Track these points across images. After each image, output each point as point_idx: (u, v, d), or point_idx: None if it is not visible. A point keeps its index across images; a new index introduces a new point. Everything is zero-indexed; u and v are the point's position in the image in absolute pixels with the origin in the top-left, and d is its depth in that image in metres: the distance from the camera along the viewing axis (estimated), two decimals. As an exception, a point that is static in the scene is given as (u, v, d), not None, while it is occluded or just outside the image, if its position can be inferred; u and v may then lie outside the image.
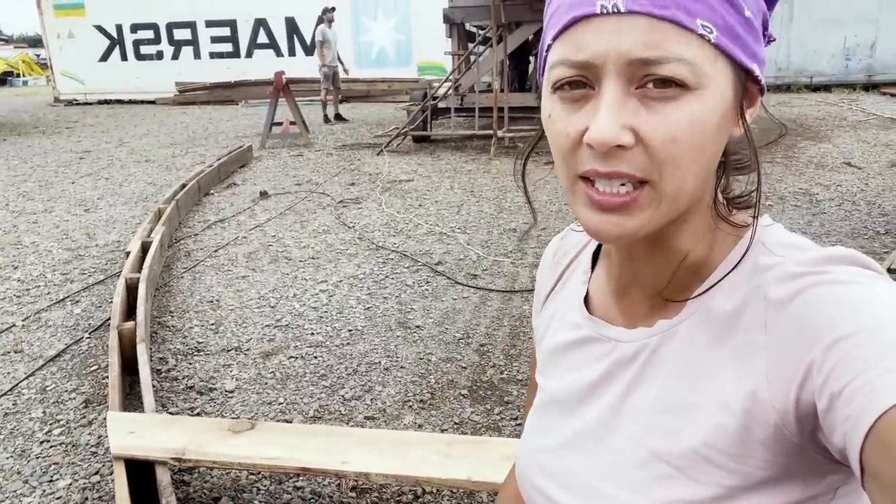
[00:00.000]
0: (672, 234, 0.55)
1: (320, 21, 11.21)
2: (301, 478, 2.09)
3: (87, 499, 2.05)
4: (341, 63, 11.15)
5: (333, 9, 10.89)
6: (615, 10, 0.46)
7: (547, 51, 0.52)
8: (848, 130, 8.09)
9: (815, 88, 12.69)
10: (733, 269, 0.54)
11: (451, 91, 8.22)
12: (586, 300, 0.66)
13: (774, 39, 0.55)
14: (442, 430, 2.37)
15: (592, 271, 0.68)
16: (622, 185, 0.49)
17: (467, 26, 9.27)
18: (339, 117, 11.01)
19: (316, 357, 2.95)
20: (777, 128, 7.54)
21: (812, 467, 0.48)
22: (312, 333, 3.19)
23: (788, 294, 0.48)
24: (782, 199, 5.13)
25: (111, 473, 2.15)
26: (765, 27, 0.52)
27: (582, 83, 0.49)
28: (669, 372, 0.56)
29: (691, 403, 0.53)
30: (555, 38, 0.50)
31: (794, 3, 12.61)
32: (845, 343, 0.43)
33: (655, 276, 0.58)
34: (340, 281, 3.84)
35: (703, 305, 0.55)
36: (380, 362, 2.89)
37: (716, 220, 0.56)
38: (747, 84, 0.51)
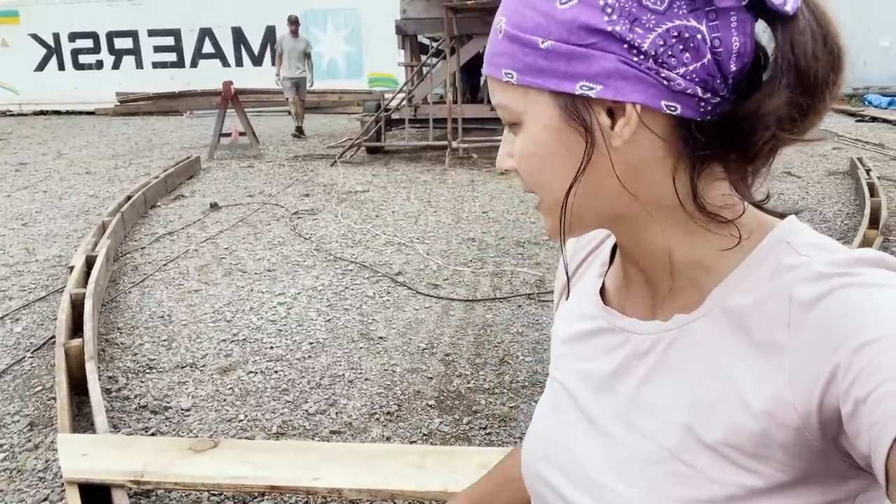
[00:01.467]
0: (638, 233, 0.56)
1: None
2: (267, 496, 2.01)
3: (34, 528, 1.92)
4: (310, 73, 10.50)
5: (296, 19, 10.26)
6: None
7: None
8: (786, 141, 8.43)
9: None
10: (739, 267, 0.53)
11: (404, 102, 8.21)
12: (602, 292, 0.66)
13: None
14: (411, 442, 2.32)
15: (610, 265, 0.67)
16: None
17: (420, 38, 9.29)
18: (299, 131, 10.29)
19: (276, 371, 2.86)
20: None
21: (832, 473, 0.48)
22: (272, 347, 3.09)
23: (815, 295, 0.47)
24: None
25: (62, 499, 2.02)
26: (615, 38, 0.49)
27: None
28: (685, 368, 0.55)
29: (709, 401, 0.52)
30: None
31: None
32: (873, 347, 0.42)
33: (656, 271, 0.58)
34: (299, 293, 3.75)
35: (721, 302, 0.54)
36: (343, 375, 2.82)
37: (702, 220, 0.55)
38: (590, 105, 0.50)
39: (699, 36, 0.48)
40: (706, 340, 0.54)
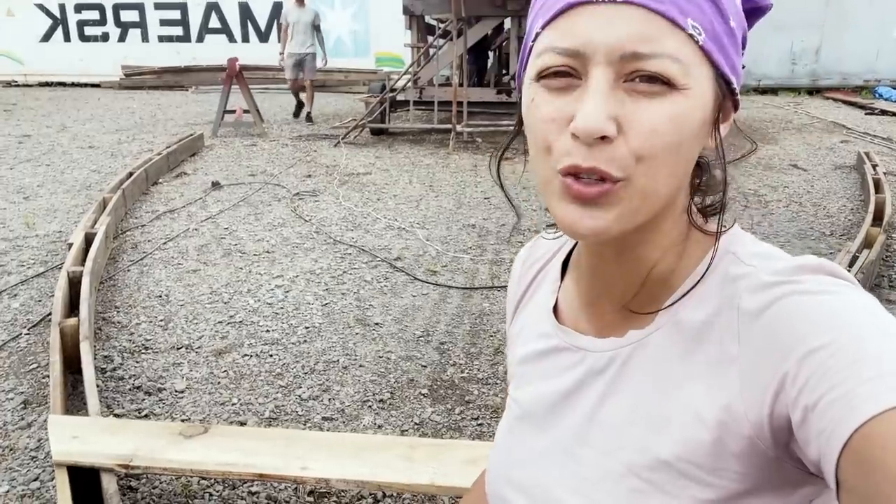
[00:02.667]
0: (641, 241, 0.55)
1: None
2: (256, 483, 2.02)
3: (25, 507, 1.94)
4: (321, 48, 9.34)
5: None
6: (611, 0, 0.45)
7: (534, 40, 0.51)
8: (794, 133, 8.36)
9: (763, 91, 13.07)
10: (700, 279, 0.53)
11: (410, 84, 8.14)
12: (555, 310, 0.65)
13: (744, 67, 0.55)
14: (402, 431, 2.33)
15: (562, 281, 0.66)
16: (599, 180, 0.48)
17: (427, 19, 9.18)
18: (302, 113, 9.47)
19: (271, 355, 2.87)
20: (748, 143, 7.62)
21: (786, 479, 0.48)
22: (268, 330, 3.10)
23: (761, 305, 0.48)
24: (732, 200, 5.24)
25: (52, 479, 2.03)
26: (744, 44, 0.52)
27: (568, 73, 0.48)
28: (641, 383, 0.55)
29: (664, 416, 0.52)
30: (544, 26, 0.49)
31: (745, 8, 12.94)
32: (819, 354, 0.42)
33: (625, 285, 0.57)
34: (297, 276, 3.75)
35: (674, 316, 0.54)
36: (338, 360, 2.82)
37: (688, 230, 0.56)
38: (725, 96, 0.51)
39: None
40: (660, 355, 0.54)
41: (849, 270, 3.26)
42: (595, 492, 0.56)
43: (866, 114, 10.14)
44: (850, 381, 0.40)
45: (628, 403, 0.55)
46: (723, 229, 0.55)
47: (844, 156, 6.89)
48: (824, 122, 9.20)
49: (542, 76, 0.49)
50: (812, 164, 6.57)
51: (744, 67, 0.55)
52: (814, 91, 12.85)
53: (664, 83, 0.46)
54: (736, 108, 0.53)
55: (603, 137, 0.46)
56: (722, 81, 0.49)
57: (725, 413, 0.48)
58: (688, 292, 0.53)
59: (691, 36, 0.46)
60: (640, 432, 0.54)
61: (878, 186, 4.89)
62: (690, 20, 0.46)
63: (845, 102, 11.35)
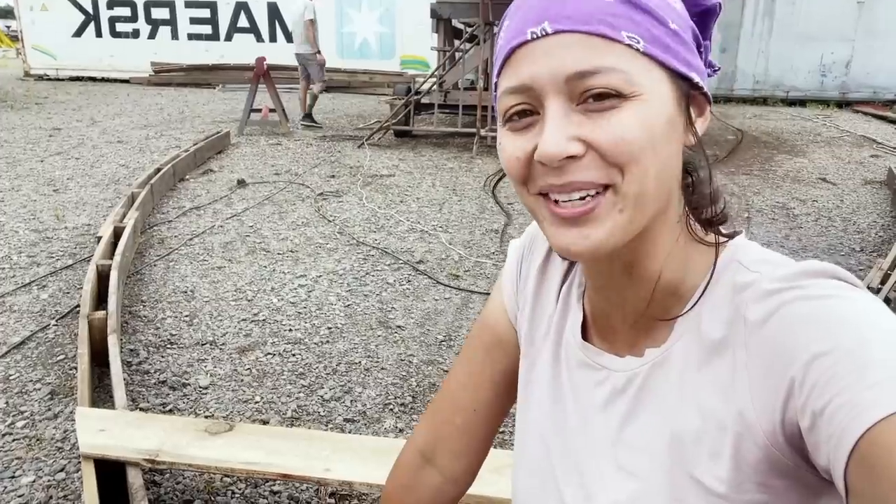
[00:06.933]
0: (643, 254, 0.54)
1: None
2: (278, 482, 2.02)
3: (51, 497, 1.96)
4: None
5: None
6: (544, 34, 0.48)
7: (496, 90, 0.54)
8: (822, 146, 8.23)
9: (791, 103, 12.90)
10: (703, 292, 0.53)
11: (435, 87, 8.15)
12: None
13: (718, 69, 0.58)
14: (423, 436, 2.32)
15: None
16: (581, 197, 0.49)
17: (454, 22, 9.20)
18: (307, 115, 9.14)
19: (294, 355, 2.88)
20: (734, 134, 7.54)
21: (806, 487, 0.48)
22: (291, 330, 3.11)
23: (764, 313, 0.48)
24: (760, 212, 5.18)
25: (77, 471, 2.06)
26: (698, 43, 0.53)
27: (528, 111, 0.50)
28: (663, 402, 0.55)
29: (688, 434, 0.52)
30: (499, 74, 0.52)
31: (775, 18, 12.80)
32: (825, 359, 0.42)
33: (634, 300, 0.57)
34: (320, 276, 3.76)
35: (689, 329, 0.54)
36: (360, 362, 2.82)
37: (687, 240, 0.56)
38: (691, 93, 0.52)
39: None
40: (677, 372, 0.54)
41: (881, 288, 3.19)
42: None
43: (897, 128, 9.96)
44: (855, 386, 0.40)
45: (652, 424, 0.55)
46: (726, 240, 0.55)
47: (875, 171, 6.77)
48: (854, 136, 9.05)
49: (506, 120, 0.52)
50: (841, 178, 6.46)
51: (717, 70, 0.58)
52: (843, 104, 12.65)
53: (615, 96, 0.47)
54: (709, 102, 0.54)
55: (572, 157, 0.48)
56: (680, 79, 0.50)
57: (741, 425, 0.48)
58: (695, 303, 0.54)
59: (630, 45, 0.47)
60: (666, 452, 0.54)
61: (910, 203, 4.79)
62: (625, 32, 0.47)
63: (875, 116, 11.15)
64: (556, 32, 0.47)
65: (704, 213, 0.56)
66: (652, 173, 0.48)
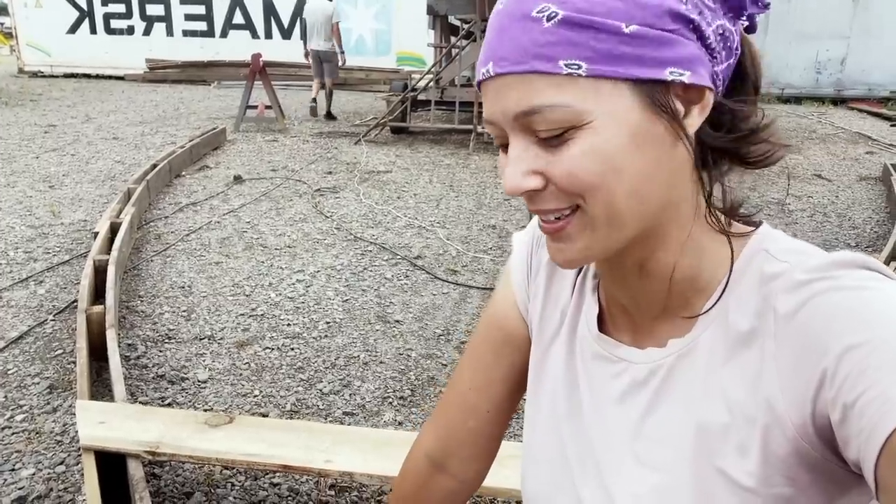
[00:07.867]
0: (653, 252, 0.54)
1: None
2: (278, 474, 2.03)
3: (51, 490, 1.96)
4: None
5: None
6: (489, 75, 0.49)
7: None
8: (818, 143, 8.26)
9: (786, 100, 12.93)
10: (726, 284, 0.53)
11: (431, 83, 8.15)
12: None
13: (769, 4, 0.54)
14: (422, 429, 2.33)
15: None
16: (556, 217, 0.51)
17: (450, 19, 9.19)
18: (328, 114, 9.59)
19: (293, 349, 2.88)
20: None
21: (833, 482, 0.47)
22: (289, 324, 3.11)
23: (796, 304, 0.47)
24: (756, 208, 5.19)
25: (77, 464, 2.06)
26: (697, 26, 0.48)
27: (505, 142, 0.52)
28: (687, 394, 0.54)
29: (714, 426, 0.52)
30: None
31: (770, 16, 12.81)
32: (857, 351, 0.41)
33: (650, 293, 0.57)
34: (318, 271, 3.76)
35: (715, 320, 0.53)
36: (358, 356, 2.83)
37: (704, 231, 0.55)
38: (671, 89, 0.48)
39: (732, 38, 0.51)
40: (703, 363, 0.53)
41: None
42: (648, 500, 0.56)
43: (892, 125, 9.99)
44: (888, 379, 0.39)
45: (676, 416, 0.55)
46: (750, 229, 0.55)
47: (870, 167, 6.80)
48: (849, 133, 9.08)
49: (497, 145, 0.54)
50: (836, 174, 6.49)
51: (767, 5, 0.53)
52: (838, 101, 12.69)
53: (565, 129, 0.47)
54: (710, 88, 0.50)
55: (533, 190, 0.49)
56: (647, 83, 0.47)
57: (770, 417, 0.47)
58: (721, 296, 0.53)
59: (570, 74, 0.46)
60: (691, 444, 0.53)
61: (905, 199, 4.82)
62: (562, 61, 0.46)
63: (870, 113, 11.20)
64: (498, 75, 0.48)
65: (723, 204, 0.55)
66: (621, 193, 0.48)
